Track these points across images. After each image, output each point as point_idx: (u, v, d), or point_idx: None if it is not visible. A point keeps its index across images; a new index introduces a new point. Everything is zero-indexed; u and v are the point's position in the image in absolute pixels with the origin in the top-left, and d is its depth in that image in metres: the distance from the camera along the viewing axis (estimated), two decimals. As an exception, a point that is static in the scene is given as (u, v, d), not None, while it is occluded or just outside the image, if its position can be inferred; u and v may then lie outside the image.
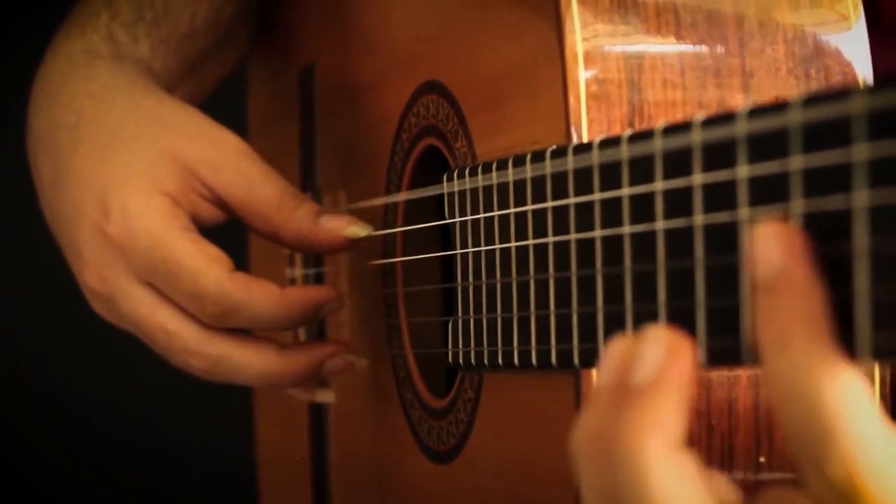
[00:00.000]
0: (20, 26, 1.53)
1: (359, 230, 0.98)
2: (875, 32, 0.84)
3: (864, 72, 0.82)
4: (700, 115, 0.65)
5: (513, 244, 0.82)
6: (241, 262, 0.99)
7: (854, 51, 0.82)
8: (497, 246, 0.84)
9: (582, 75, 0.80)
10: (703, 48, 0.81)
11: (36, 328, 1.58)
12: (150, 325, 0.95)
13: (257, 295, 0.94)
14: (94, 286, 0.97)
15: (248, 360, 0.96)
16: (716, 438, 0.79)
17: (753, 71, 0.81)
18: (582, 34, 0.80)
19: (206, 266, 0.93)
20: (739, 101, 0.81)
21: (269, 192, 0.98)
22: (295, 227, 0.98)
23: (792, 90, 0.81)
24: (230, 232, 1.02)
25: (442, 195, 0.93)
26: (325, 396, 1.05)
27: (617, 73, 0.80)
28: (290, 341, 1.15)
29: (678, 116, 0.80)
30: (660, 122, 0.79)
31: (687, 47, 0.81)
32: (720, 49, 0.81)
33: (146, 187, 0.95)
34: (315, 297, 0.97)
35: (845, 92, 0.56)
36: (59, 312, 1.04)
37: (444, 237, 0.97)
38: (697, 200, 0.65)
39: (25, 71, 1.06)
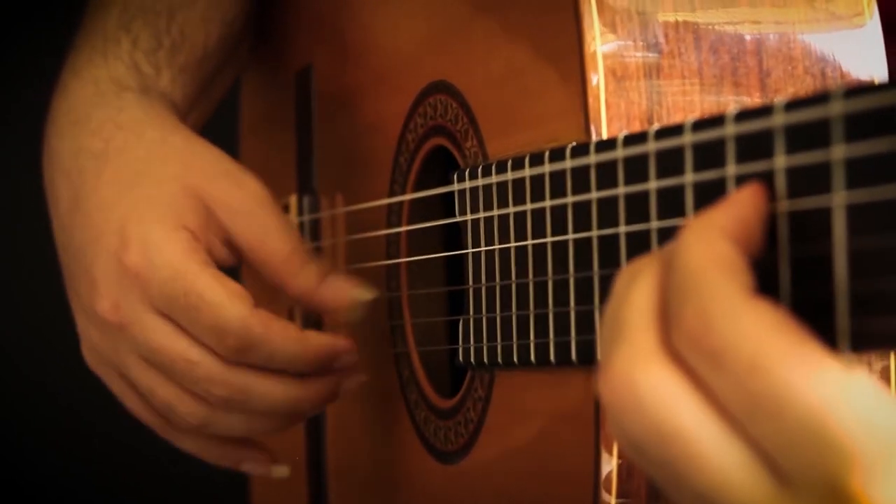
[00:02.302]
0: (20, 26, 1.52)
1: (362, 293, 0.99)
2: (886, 36, 0.84)
3: (880, 70, 0.82)
4: (733, 109, 0.65)
5: (530, 241, 0.82)
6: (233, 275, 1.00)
7: (869, 49, 0.83)
8: (513, 244, 0.84)
9: (601, 73, 0.80)
10: (721, 47, 0.81)
11: (34, 330, 1.57)
12: (170, 354, 0.95)
13: (278, 333, 0.94)
14: (104, 314, 0.96)
15: (271, 389, 0.96)
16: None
17: (770, 70, 0.82)
18: (600, 32, 0.80)
19: (229, 300, 0.93)
20: (756, 100, 0.81)
21: (280, 245, 0.99)
22: (299, 284, 0.99)
23: (808, 89, 0.82)
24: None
25: (447, 196, 0.93)
26: (281, 471, 1.05)
27: (635, 71, 0.80)
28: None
29: (696, 115, 0.80)
30: (678, 120, 0.79)
31: (704, 47, 0.81)
32: (737, 48, 0.81)
33: (168, 221, 0.95)
34: (334, 347, 0.97)
35: (892, 83, 0.56)
36: (58, 314, 1.03)
37: (450, 238, 0.97)
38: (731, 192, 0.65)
39: (25, 71, 1.05)
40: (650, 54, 0.80)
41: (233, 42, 1.14)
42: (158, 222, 0.95)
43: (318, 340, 0.97)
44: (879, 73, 0.82)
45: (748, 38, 0.82)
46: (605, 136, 0.79)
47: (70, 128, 1.02)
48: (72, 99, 1.03)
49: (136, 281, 0.94)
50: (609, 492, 0.79)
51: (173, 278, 0.94)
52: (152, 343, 0.95)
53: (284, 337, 0.95)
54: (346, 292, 0.99)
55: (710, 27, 0.81)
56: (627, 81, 0.80)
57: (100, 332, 0.98)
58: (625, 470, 0.79)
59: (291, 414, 0.99)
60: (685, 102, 0.80)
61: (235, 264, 1.00)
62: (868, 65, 0.82)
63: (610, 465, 0.79)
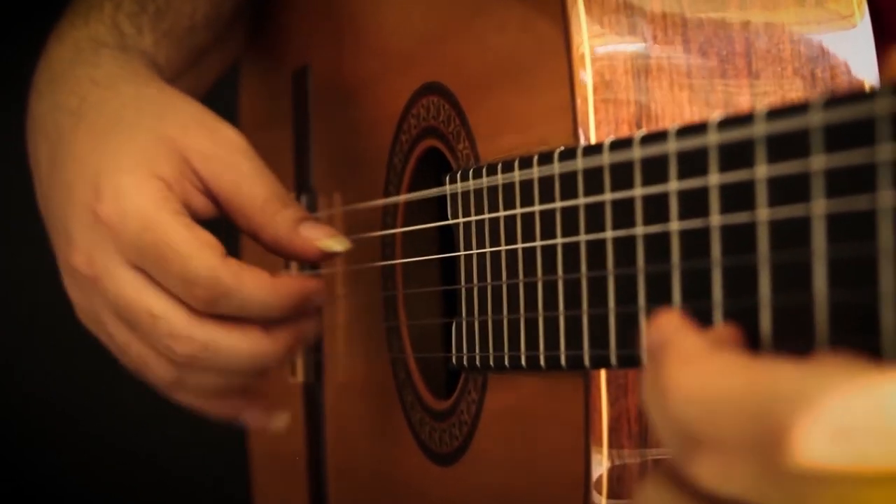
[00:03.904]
0: (20, 27, 1.52)
1: (334, 244, 0.97)
2: (877, 37, 0.84)
3: (871, 71, 0.82)
4: (716, 116, 0.65)
5: (519, 245, 0.82)
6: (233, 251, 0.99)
7: (859, 50, 0.82)
8: (503, 247, 0.84)
9: (589, 76, 0.79)
10: (710, 49, 0.81)
11: (32, 330, 1.57)
12: (135, 308, 0.94)
13: (248, 281, 0.93)
14: (79, 267, 0.95)
15: (236, 344, 0.94)
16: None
17: (759, 71, 0.81)
18: (588, 34, 0.80)
19: (198, 250, 0.92)
20: (746, 102, 0.81)
21: (256, 190, 0.97)
22: (273, 230, 0.97)
23: (798, 91, 0.81)
24: (223, 226, 1.01)
25: (441, 197, 0.93)
26: (280, 421, 1.05)
27: (624, 73, 0.80)
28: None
29: (685, 117, 0.80)
30: (667, 123, 0.79)
31: (693, 48, 0.81)
32: (726, 49, 0.81)
33: (140, 170, 0.94)
34: (306, 287, 0.96)
35: (870, 93, 0.56)
36: (56, 314, 1.03)
37: (444, 239, 0.97)
38: (714, 201, 0.65)
39: (25, 71, 1.05)
40: (639, 56, 0.80)
41: (222, 23, 1.13)
42: (130, 172, 0.94)
43: (289, 284, 0.95)
44: (870, 75, 0.82)
45: (737, 39, 0.81)
46: (593, 139, 0.79)
47: (48, 86, 1.02)
48: (52, 61, 1.03)
49: (109, 232, 0.94)
50: (600, 493, 0.79)
51: (143, 228, 0.93)
52: (120, 297, 0.94)
53: (255, 285, 0.93)
54: (317, 242, 0.97)
55: (699, 29, 0.81)
56: (616, 84, 0.80)
57: (79, 288, 0.98)
58: (615, 472, 0.79)
59: (257, 369, 0.97)
60: (674, 105, 0.80)
61: (216, 215, 0.98)
62: (858, 66, 0.82)
63: (601, 466, 0.79)
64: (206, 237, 0.93)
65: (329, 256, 0.98)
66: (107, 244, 0.94)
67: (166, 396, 1.02)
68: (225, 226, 0.99)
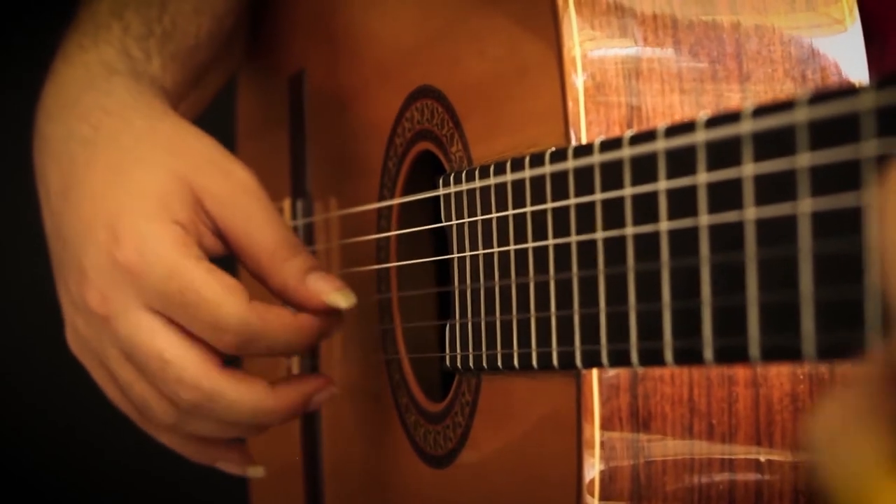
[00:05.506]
0: (20, 26, 1.52)
1: (340, 299, 0.97)
2: (867, 41, 0.84)
3: (861, 74, 0.82)
4: (704, 115, 0.65)
5: (512, 247, 0.82)
6: (231, 268, 0.99)
7: (850, 53, 0.83)
8: (496, 249, 0.84)
9: (580, 78, 0.80)
10: (700, 50, 0.81)
11: (31, 334, 1.57)
12: (146, 351, 0.94)
13: (274, 323, 0.94)
14: (93, 305, 0.96)
15: (241, 397, 0.95)
16: (716, 438, 0.80)
17: (750, 73, 0.82)
18: (579, 37, 0.80)
19: (225, 297, 0.93)
20: (736, 103, 0.81)
21: (266, 237, 0.97)
22: (281, 279, 0.97)
23: (788, 92, 0.82)
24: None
25: (435, 200, 0.93)
26: (256, 472, 1.05)
27: (615, 75, 0.80)
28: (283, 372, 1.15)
29: (676, 119, 0.80)
30: (658, 125, 0.79)
31: (684, 50, 0.81)
32: (717, 51, 0.81)
33: (159, 216, 0.95)
34: (327, 323, 0.98)
35: (854, 89, 0.56)
36: (56, 318, 1.03)
37: (439, 241, 0.98)
38: (702, 199, 0.65)
39: (25, 74, 1.05)
40: (630, 58, 0.81)
41: (224, 38, 1.14)
42: (150, 217, 0.95)
43: (311, 322, 0.97)
44: (860, 77, 0.82)
45: (728, 40, 0.82)
46: (584, 141, 0.79)
47: (59, 111, 1.02)
48: (61, 82, 1.03)
49: (129, 277, 0.94)
50: (592, 494, 0.79)
51: (169, 276, 0.93)
52: (132, 339, 0.95)
53: (281, 327, 0.95)
54: (323, 295, 0.98)
55: (689, 30, 0.81)
56: (607, 85, 0.80)
57: (85, 322, 0.98)
58: (608, 473, 0.79)
59: (257, 425, 0.99)
60: (665, 106, 0.81)
61: (226, 254, 0.99)
62: (849, 68, 0.82)
63: (593, 468, 0.79)
64: (231, 282, 0.94)
65: (334, 310, 0.98)
66: (124, 287, 0.94)
67: (152, 436, 1.03)
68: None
